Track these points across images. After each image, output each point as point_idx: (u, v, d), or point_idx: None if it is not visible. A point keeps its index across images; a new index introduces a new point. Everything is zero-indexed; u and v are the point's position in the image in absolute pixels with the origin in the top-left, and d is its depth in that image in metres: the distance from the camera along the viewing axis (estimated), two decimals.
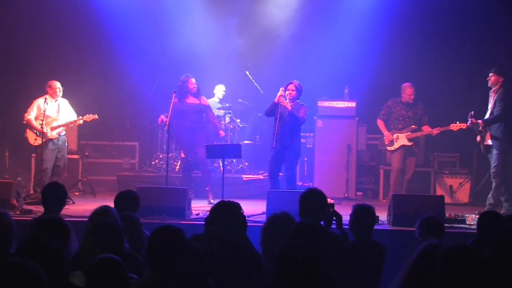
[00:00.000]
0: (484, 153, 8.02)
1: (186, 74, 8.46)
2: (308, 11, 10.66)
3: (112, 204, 4.72)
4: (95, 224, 3.77)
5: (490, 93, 7.92)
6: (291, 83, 7.76)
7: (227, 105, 10.16)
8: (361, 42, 10.09)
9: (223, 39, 10.65)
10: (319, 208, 4.51)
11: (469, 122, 7.88)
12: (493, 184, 7.75)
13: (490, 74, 7.84)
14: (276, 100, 7.61)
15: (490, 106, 7.87)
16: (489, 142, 7.84)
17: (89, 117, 8.45)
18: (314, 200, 4.52)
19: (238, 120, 10.15)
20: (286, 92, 7.73)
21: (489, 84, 7.88)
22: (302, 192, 4.62)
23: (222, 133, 8.76)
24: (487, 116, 7.85)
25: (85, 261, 3.31)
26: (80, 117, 8.43)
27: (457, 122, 8.27)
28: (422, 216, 4.70)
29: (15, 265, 2.51)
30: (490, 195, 7.80)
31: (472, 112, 7.85)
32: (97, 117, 8.48)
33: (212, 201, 8.10)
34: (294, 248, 3.05)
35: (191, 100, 8.35)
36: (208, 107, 8.57)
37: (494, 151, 7.78)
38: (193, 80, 8.36)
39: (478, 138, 7.96)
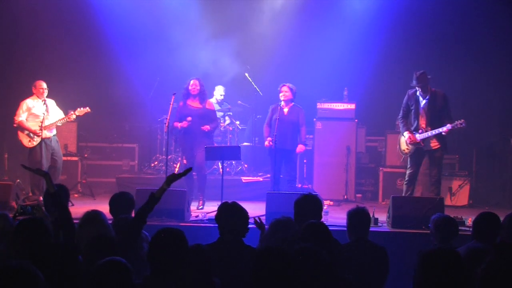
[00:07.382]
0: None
1: (193, 77, 8.20)
2: (307, 13, 10.67)
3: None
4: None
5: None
6: (284, 85, 8.10)
7: (228, 106, 10.15)
8: (360, 43, 10.10)
9: (223, 41, 10.65)
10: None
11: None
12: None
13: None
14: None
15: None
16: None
17: (81, 111, 8.12)
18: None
19: (238, 122, 10.14)
20: (280, 94, 8.08)
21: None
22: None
23: (206, 127, 7.99)
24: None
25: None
26: (72, 111, 8.13)
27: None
28: (435, 215, 4.68)
29: (14, 267, 2.50)
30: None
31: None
32: (90, 110, 8.19)
33: (201, 207, 7.90)
34: (270, 250, 3.11)
35: (194, 103, 8.07)
36: (212, 112, 8.25)
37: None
38: (193, 81, 8.05)
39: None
